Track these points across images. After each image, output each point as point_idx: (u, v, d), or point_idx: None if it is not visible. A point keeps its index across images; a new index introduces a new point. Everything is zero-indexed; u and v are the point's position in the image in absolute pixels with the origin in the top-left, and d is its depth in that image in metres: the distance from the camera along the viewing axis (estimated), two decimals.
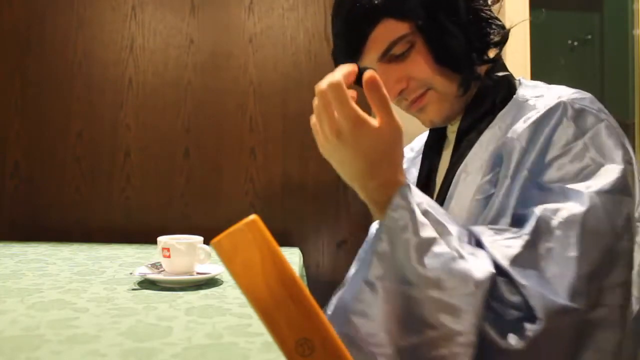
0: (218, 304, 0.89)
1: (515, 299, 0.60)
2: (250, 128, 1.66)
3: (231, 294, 0.96)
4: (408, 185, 0.62)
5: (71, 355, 0.64)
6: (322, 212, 1.64)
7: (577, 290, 0.59)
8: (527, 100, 0.77)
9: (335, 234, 1.65)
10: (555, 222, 0.63)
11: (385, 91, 0.62)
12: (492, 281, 0.59)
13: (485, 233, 0.65)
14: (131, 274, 1.06)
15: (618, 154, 0.67)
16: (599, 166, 0.66)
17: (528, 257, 0.62)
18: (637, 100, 2.27)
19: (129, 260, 1.27)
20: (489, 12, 0.80)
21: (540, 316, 0.58)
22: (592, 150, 0.67)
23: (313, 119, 0.66)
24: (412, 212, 0.60)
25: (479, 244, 0.64)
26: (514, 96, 0.80)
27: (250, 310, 0.82)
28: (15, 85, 1.62)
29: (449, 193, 0.80)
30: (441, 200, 0.81)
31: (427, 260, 0.58)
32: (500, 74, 0.82)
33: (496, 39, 0.80)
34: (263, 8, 1.67)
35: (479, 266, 0.59)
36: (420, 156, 0.97)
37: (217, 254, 0.47)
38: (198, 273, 1.04)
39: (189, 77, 1.65)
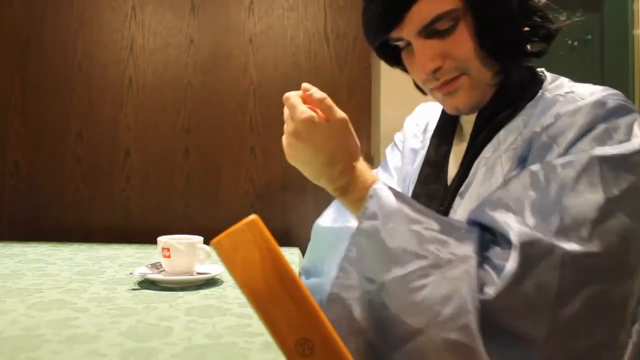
0: (218, 304, 0.89)
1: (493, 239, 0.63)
2: (250, 128, 1.66)
3: (231, 294, 0.96)
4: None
5: (71, 355, 0.64)
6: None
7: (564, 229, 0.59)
8: (555, 94, 0.76)
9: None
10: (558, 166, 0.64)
11: (319, 94, 0.70)
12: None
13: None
14: (131, 274, 1.06)
15: None
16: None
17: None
18: (637, 100, 2.27)
19: (129, 260, 1.27)
20: (540, 6, 0.79)
21: (514, 242, 0.58)
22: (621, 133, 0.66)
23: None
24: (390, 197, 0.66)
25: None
26: (541, 90, 0.78)
27: (250, 310, 0.82)
28: (15, 85, 1.62)
29: (466, 181, 0.78)
30: (456, 189, 0.79)
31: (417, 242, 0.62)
32: (526, 65, 0.81)
33: (543, 33, 0.79)
34: (263, 8, 1.67)
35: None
36: (427, 138, 0.95)
37: (217, 254, 0.47)
38: (198, 273, 1.04)
39: (189, 77, 1.65)
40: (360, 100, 1.63)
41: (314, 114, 0.69)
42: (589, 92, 0.72)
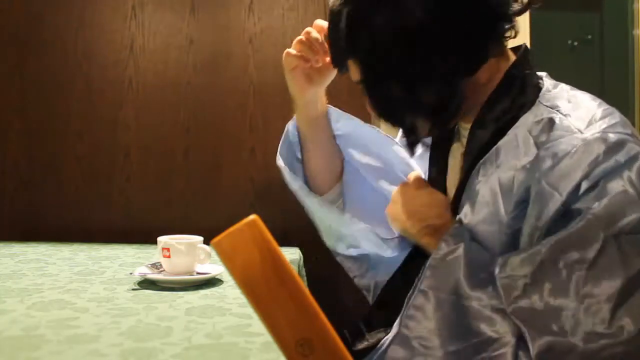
0: (218, 304, 0.89)
1: None
2: (250, 128, 1.66)
3: (231, 294, 0.96)
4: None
5: (71, 355, 0.64)
6: None
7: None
8: (551, 109, 0.71)
9: None
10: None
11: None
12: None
13: None
14: (131, 274, 1.06)
15: None
16: None
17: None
18: (637, 100, 2.27)
19: (129, 260, 1.27)
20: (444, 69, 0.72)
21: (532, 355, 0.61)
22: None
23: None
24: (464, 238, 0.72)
25: None
26: (537, 100, 0.74)
27: (250, 310, 0.82)
28: (15, 85, 1.62)
29: (462, 198, 0.77)
30: (455, 203, 0.79)
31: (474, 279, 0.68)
32: (526, 72, 0.77)
33: (440, 103, 0.74)
34: (263, 8, 1.67)
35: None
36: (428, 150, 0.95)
37: (217, 254, 0.47)
38: (198, 273, 1.04)
39: (189, 77, 1.65)
40: (360, 100, 1.62)
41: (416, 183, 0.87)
42: (587, 122, 0.67)
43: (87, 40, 1.64)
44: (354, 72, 0.81)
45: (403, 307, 0.72)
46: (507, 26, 0.75)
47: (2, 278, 1.03)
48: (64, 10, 1.63)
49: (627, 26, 2.41)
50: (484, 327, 0.64)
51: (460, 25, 0.70)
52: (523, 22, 1.67)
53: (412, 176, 0.87)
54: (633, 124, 2.08)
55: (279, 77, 1.69)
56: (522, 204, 0.69)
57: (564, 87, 0.77)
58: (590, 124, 0.67)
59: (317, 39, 0.95)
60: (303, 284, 0.48)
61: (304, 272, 1.43)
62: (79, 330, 0.73)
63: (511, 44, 0.80)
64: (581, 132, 0.66)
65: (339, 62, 0.84)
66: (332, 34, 0.79)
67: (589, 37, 2.71)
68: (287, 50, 0.99)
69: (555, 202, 0.64)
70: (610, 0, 2.71)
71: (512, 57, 0.79)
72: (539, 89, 0.76)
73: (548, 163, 0.66)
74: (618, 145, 0.64)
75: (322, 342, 0.47)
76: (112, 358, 0.63)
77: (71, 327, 0.74)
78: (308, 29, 0.97)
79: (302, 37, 0.97)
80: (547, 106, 0.72)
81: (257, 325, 0.76)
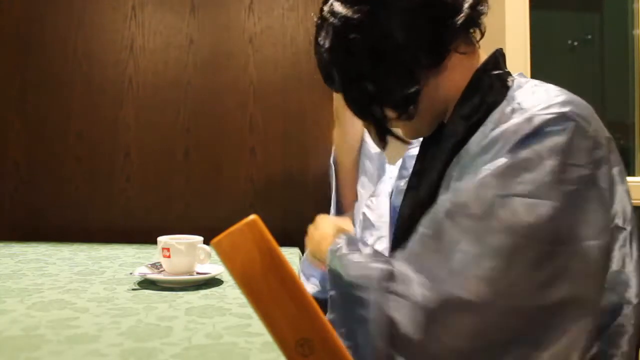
0: (218, 304, 0.89)
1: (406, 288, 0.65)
2: (250, 128, 1.66)
3: (231, 294, 0.96)
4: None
5: (71, 355, 0.64)
6: (322, 212, 1.64)
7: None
8: (510, 105, 0.72)
9: None
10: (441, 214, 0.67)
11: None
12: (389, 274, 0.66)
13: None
14: (131, 274, 1.06)
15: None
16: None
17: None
18: (637, 100, 2.27)
19: (129, 260, 1.27)
20: (410, 61, 0.77)
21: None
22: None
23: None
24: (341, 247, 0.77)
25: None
26: (506, 98, 0.74)
27: (250, 310, 0.82)
28: (15, 85, 1.62)
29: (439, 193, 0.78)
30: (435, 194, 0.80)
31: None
32: (495, 72, 0.77)
33: (403, 93, 0.78)
34: (263, 8, 1.67)
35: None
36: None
37: (217, 254, 0.47)
38: (198, 273, 1.04)
39: (189, 76, 1.65)
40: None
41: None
42: (541, 103, 0.68)
43: (87, 40, 1.64)
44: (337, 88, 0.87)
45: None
46: (471, 29, 0.80)
47: (2, 278, 1.03)
48: (64, 10, 1.63)
49: (627, 26, 2.41)
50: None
51: (422, 32, 0.76)
52: (523, 22, 1.67)
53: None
54: (633, 124, 2.07)
55: (279, 77, 1.70)
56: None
57: (533, 82, 0.77)
58: (534, 106, 0.68)
59: None
60: (303, 284, 0.48)
61: None
62: (79, 330, 0.73)
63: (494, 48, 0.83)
64: (522, 113, 0.68)
65: (324, 73, 0.88)
66: (316, 47, 0.85)
67: (589, 37, 2.70)
68: None
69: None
70: (610, 0, 2.71)
71: (474, 65, 0.81)
72: (508, 87, 0.77)
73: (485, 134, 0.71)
74: (541, 128, 0.65)
75: (322, 342, 0.47)
76: (112, 358, 0.63)
77: (71, 327, 0.74)
78: None
79: None
80: (511, 102, 0.74)
81: (257, 325, 0.76)
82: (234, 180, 1.65)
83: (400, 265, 0.66)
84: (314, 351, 0.46)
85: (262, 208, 1.63)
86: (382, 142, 0.88)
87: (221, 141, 1.65)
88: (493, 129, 0.70)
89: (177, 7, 1.66)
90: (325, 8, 0.81)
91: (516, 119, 0.67)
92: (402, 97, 0.78)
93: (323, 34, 0.81)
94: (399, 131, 0.90)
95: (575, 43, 2.71)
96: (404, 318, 0.61)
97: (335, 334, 0.48)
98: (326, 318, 0.56)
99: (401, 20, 0.75)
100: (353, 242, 0.77)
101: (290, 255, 1.41)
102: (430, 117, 0.83)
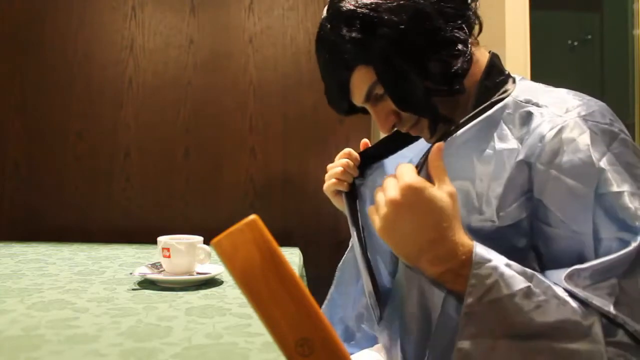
0: (218, 304, 0.89)
1: (625, 339, 0.58)
2: (250, 128, 1.66)
3: (231, 294, 0.96)
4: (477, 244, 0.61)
5: (71, 355, 0.64)
6: (322, 212, 1.64)
7: None
8: (527, 107, 0.72)
9: (335, 234, 1.65)
10: None
11: (442, 162, 0.64)
12: (601, 322, 0.58)
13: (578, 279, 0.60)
14: (131, 274, 1.06)
15: None
16: None
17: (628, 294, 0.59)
18: (637, 100, 2.27)
19: (129, 260, 1.27)
20: (455, 36, 0.76)
21: None
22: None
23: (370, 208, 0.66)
24: (497, 267, 0.59)
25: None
26: (506, 99, 0.75)
27: (250, 310, 0.82)
28: (15, 85, 1.62)
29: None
30: None
31: (533, 313, 0.57)
32: (498, 79, 0.78)
33: (460, 67, 0.76)
34: (263, 8, 1.67)
35: (581, 309, 0.58)
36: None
37: (217, 254, 0.47)
38: (198, 273, 1.04)
39: (189, 77, 1.65)
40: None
41: (423, 179, 0.61)
42: (564, 109, 0.69)
43: (87, 40, 1.64)
44: (362, 80, 0.78)
45: None
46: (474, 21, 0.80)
47: (2, 278, 1.03)
48: (64, 10, 1.63)
49: (627, 26, 2.41)
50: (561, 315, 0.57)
51: (454, 4, 0.76)
52: (523, 22, 1.67)
53: (402, 172, 0.63)
54: (633, 124, 2.07)
55: (279, 77, 1.70)
56: (524, 192, 0.69)
57: (538, 84, 0.79)
58: (568, 110, 0.69)
59: (356, 160, 0.98)
60: (303, 284, 0.48)
61: (304, 272, 1.43)
62: (79, 330, 0.73)
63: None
64: (560, 116, 0.69)
65: (340, 75, 0.80)
66: (335, 44, 0.78)
67: (589, 37, 2.70)
68: (329, 183, 1.00)
69: (577, 194, 0.64)
70: (610, 0, 2.71)
71: (483, 63, 0.81)
72: (509, 87, 0.78)
73: (538, 145, 0.68)
74: (604, 133, 0.66)
75: (322, 342, 0.47)
76: (112, 358, 0.63)
77: (71, 327, 0.74)
78: (348, 154, 0.98)
79: (341, 165, 0.98)
80: (521, 101, 0.74)
81: (257, 325, 0.76)
82: (234, 180, 1.65)
83: (604, 304, 0.58)
84: (314, 351, 0.46)
85: (262, 208, 1.64)
86: (433, 133, 0.81)
87: (221, 141, 1.65)
88: (519, 136, 0.69)
89: (177, 7, 1.66)
90: (344, 4, 0.76)
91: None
92: (455, 67, 0.75)
93: (345, 30, 0.76)
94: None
95: (575, 43, 2.71)
96: None
97: (335, 334, 0.48)
98: None
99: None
100: (507, 270, 0.60)
101: (290, 255, 1.40)
102: (452, 113, 0.80)
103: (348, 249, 1.07)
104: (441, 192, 0.61)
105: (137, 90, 1.64)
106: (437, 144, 0.65)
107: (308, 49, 1.67)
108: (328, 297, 1.08)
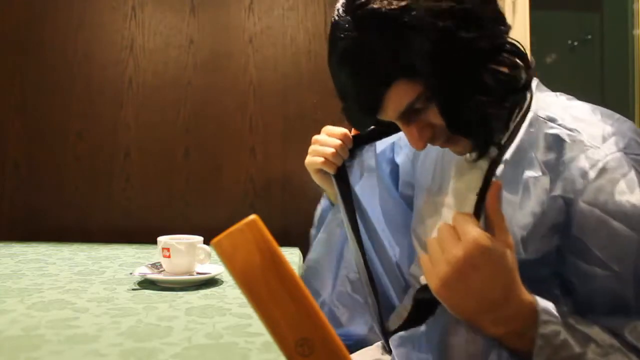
0: (218, 304, 0.89)
1: None
2: (250, 128, 1.66)
3: (231, 294, 0.96)
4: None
5: (71, 355, 0.64)
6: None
7: None
8: (553, 129, 0.68)
9: None
10: None
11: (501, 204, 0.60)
12: None
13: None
14: (131, 274, 1.06)
15: None
16: None
17: None
18: (637, 100, 2.27)
19: (129, 260, 1.27)
20: (508, 59, 0.69)
21: None
22: None
23: (424, 257, 0.60)
24: (566, 324, 0.58)
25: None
26: (531, 109, 0.71)
27: (250, 310, 0.82)
28: (15, 85, 1.62)
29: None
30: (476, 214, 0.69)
31: None
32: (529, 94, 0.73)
33: (521, 76, 0.70)
34: (263, 8, 1.67)
35: None
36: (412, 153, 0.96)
37: (217, 254, 0.47)
38: (198, 273, 1.04)
39: (189, 77, 1.65)
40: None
41: (488, 235, 0.57)
42: (600, 138, 0.66)
43: (87, 40, 1.64)
44: (401, 96, 0.69)
45: None
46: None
47: (2, 278, 1.03)
48: (64, 11, 1.63)
49: (627, 26, 2.41)
50: None
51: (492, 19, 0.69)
52: (523, 22, 1.67)
53: (463, 224, 0.58)
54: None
55: (279, 77, 1.70)
56: (557, 227, 0.66)
57: (556, 96, 0.75)
58: (604, 139, 0.66)
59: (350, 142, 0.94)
60: (303, 284, 0.48)
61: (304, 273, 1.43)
62: (79, 330, 0.73)
63: None
64: (598, 147, 0.65)
65: (374, 92, 0.69)
66: (367, 56, 0.66)
67: (589, 37, 2.70)
68: (313, 158, 0.97)
69: (630, 239, 0.62)
70: (610, 0, 2.71)
71: None
72: (531, 94, 0.74)
73: (579, 182, 0.64)
74: None
75: (322, 342, 0.47)
76: (112, 358, 0.63)
77: (71, 327, 0.74)
78: (344, 136, 0.94)
79: (334, 146, 0.93)
80: (543, 118, 0.70)
81: (257, 325, 0.76)
82: (234, 180, 1.65)
83: None
84: (314, 351, 0.46)
85: (262, 208, 1.64)
86: (473, 150, 0.75)
87: (221, 141, 1.65)
88: (548, 164, 0.66)
89: (177, 7, 1.66)
90: (383, 6, 0.64)
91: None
92: (520, 78, 0.69)
93: (385, 39, 0.65)
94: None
95: (575, 43, 2.71)
96: None
97: (335, 334, 0.48)
98: None
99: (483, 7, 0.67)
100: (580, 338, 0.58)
101: (290, 255, 1.41)
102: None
103: (323, 226, 1.02)
104: (505, 247, 0.57)
105: (137, 90, 1.64)
106: (497, 183, 0.60)
107: (308, 49, 1.66)
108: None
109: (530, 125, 0.71)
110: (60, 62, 1.63)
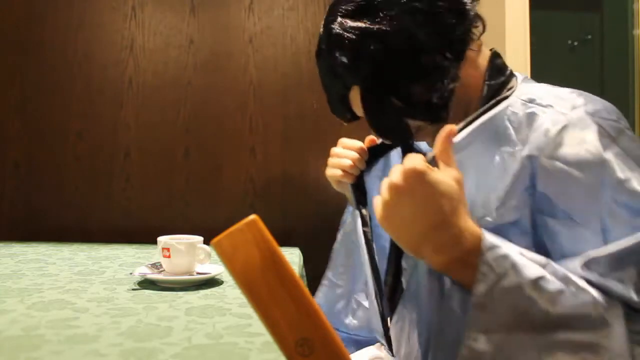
0: (218, 304, 0.89)
1: None
2: (250, 128, 1.66)
3: (231, 294, 0.96)
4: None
5: (71, 355, 0.64)
6: (322, 212, 1.64)
7: None
8: (530, 108, 0.71)
9: (335, 234, 1.65)
10: None
11: (450, 146, 0.63)
12: (623, 311, 0.56)
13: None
14: (131, 274, 1.06)
15: None
16: None
17: None
18: (637, 100, 2.27)
19: (129, 260, 1.27)
20: (442, 63, 0.74)
21: None
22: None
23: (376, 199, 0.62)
24: (508, 255, 0.56)
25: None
26: (510, 98, 0.74)
27: (250, 310, 0.82)
28: (15, 85, 1.62)
29: None
30: None
31: (550, 302, 0.54)
32: (501, 79, 0.78)
33: (441, 95, 0.75)
34: (263, 8, 1.67)
35: (602, 297, 0.56)
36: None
37: (217, 254, 0.47)
38: (198, 273, 1.04)
39: (189, 77, 1.65)
40: None
41: (428, 165, 0.59)
42: (570, 107, 0.68)
43: (87, 40, 1.64)
44: (356, 99, 0.81)
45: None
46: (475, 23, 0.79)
47: (2, 278, 1.03)
48: (64, 11, 1.63)
49: (627, 26, 2.41)
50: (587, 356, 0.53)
51: (445, 28, 0.75)
52: (523, 22, 1.67)
53: (408, 158, 0.60)
54: (633, 124, 2.07)
55: (279, 77, 1.70)
56: (527, 189, 0.67)
57: (542, 84, 0.78)
58: (574, 108, 0.68)
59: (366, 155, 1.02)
60: (303, 284, 0.48)
61: (304, 272, 1.43)
62: (79, 330, 0.73)
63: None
64: (566, 114, 0.68)
65: (338, 97, 0.84)
66: (331, 65, 0.80)
67: (589, 37, 2.70)
68: (332, 171, 1.04)
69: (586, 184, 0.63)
70: (610, 0, 2.71)
71: (485, 61, 0.80)
72: (513, 85, 0.78)
73: (542, 140, 0.67)
74: (611, 128, 0.66)
75: (322, 342, 0.47)
76: (112, 358, 0.63)
77: (71, 327, 0.74)
78: (360, 149, 1.02)
79: (351, 159, 1.01)
80: (524, 100, 0.73)
81: (257, 325, 0.76)
82: (234, 180, 1.65)
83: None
84: (314, 351, 0.46)
85: (262, 208, 1.64)
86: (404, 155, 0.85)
87: (221, 141, 1.65)
88: (520, 137, 0.69)
89: (177, 7, 1.66)
90: (335, 27, 0.78)
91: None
92: (438, 97, 0.74)
93: (336, 53, 0.78)
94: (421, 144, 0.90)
95: (575, 43, 2.71)
96: None
97: (335, 334, 0.48)
98: None
99: (424, 20, 0.74)
100: (516, 257, 0.56)
101: (290, 255, 1.41)
102: (457, 118, 0.79)
103: (342, 230, 1.12)
104: (445, 175, 0.58)
105: (137, 90, 1.64)
106: (446, 128, 0.62)
107: (308, 49, 1.66)
108: (324, 281, 1.10)
109: (511, 105, 0.73)
110: (60, 62, 1.63)
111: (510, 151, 0.70)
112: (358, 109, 0.82)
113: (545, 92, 0.74)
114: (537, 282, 0.55)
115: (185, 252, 1.03)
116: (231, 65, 1.66)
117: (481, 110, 0.75)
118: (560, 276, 0.56)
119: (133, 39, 1.64)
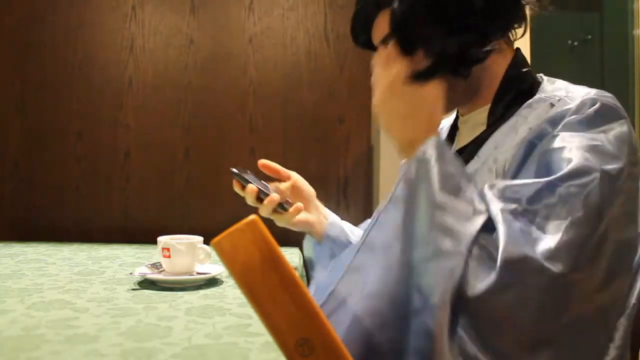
0: (218, 304, 0.89)
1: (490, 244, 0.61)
2: (250, 128, 1.66)
3: (231, 294, 0.96)
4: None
5: (71, 355, 0.64)
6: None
7: (554, 253, 0.59)
8: (549, 96, 0.76)
9: None
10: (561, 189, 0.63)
11: None
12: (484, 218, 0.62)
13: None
14: (131, 274, 1.06)
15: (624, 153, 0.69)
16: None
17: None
18: (637, 100, 2.27)
19: (129, 260, 1.27)
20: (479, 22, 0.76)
21: (498, 264, 0.58)
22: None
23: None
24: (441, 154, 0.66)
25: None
26: (537, 94, 0.78)
27: (250, 310, 0.82)
28: (15, 85, 1.62)
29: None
30: None
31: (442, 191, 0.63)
32: (524, 69, 0.81)
33: (474, 54, 0.76)
34: (263, 8, 1.67)
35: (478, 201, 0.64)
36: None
37: (217, 254, 0.47)
38: (198, 273, 1.04)
39: (189, 77, 1.65)
40: (361, 100, 1.63)
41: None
42: (580, 95, 0.73)
43: (87, 40, 1.64)
44: (382, 28, 0.81)
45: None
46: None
47: (2, 278, 1.03)
48: (64, 10, 1.63)
49: (627, 26, 2.41)
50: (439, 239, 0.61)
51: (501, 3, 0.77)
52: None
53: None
54: (633, 124, 2.09)
55: (279, 77, 1.70)
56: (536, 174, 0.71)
57: (560, 82, 0.82)
58: (582, 97, 0.73)
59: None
60: (303, 284, 0.48)
61: (304, 273, 1.43)
62: (79, 330, 0.73)
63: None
64: (573, 101, 0.72)
65: (369, 11, 0.84)
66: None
67: (589, 37, 2.70)
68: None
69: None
70: (610, 0, 2.71)
71: (509, 57, 0.83)
72: (538, 83, 0.81)
73: (541, 125, 0.72)
74: (605, 111, 0.72)
75: (322, 342, 0.47)
76: (112, 358, 0.63)
77: (71, 327, 0.74)
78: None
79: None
80: (545, 97, 0.77)
81: (257, 325, 0.76)
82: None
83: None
84: (314, 351, 0.46)
85: None
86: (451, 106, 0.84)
87: (221, 141, 1.65)
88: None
89: (177, 7, 1.66)
90: None
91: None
92: (468, 55, 0.76)
93: None
94: None
95: (575, 43, 2.71)
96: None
97: (335, 334, 0.48)
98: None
99: None
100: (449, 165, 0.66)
101: (290, 255, 1.41)
102: (465, 98, 0.83)
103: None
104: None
105: (137, 90, 1.64)
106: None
107: (308, 49, 1.66)
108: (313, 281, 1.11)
109: (532, 104, 0.77)
110: (60, 62, 1.63)
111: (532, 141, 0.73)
112: (377, 36, 0.83)
113: (565, 88, 0.77)
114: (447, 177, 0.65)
115: (185, 252, 1.03)
116: (231, 66, 1.66)
117: (506, 102, 0.79)
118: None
119: (133, 39, 1.64)
